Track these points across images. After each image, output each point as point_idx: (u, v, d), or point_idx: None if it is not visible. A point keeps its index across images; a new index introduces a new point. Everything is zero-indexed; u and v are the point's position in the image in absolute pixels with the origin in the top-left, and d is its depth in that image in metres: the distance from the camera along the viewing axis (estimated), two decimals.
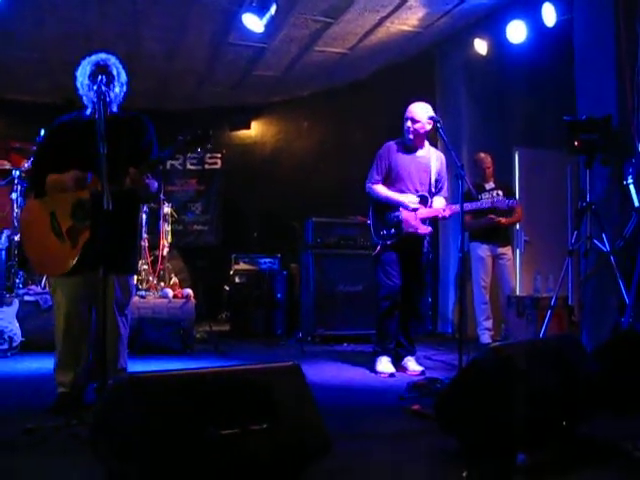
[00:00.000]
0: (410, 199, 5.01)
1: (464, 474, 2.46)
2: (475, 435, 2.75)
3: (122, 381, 2.13)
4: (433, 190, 5.12)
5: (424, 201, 5.07)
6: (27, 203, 4.48)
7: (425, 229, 5.04)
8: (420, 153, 5.14)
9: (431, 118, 4.83)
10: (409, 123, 5.00)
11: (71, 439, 2.86)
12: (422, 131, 5.00)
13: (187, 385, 2.12)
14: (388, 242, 5.02)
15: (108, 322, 3.22)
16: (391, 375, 4.94)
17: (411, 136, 5.03)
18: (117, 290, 3.60)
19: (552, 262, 7.11)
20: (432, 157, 5.16)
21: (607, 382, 3.25)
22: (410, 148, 5.12)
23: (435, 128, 4.79)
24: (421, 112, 4.96)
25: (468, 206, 4.73)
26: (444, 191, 5.21)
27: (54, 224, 3.60)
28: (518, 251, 7.60)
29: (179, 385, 2.11)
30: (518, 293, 7.16)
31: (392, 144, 5.18)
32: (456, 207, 4.89)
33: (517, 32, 6.78)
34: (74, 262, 3.52)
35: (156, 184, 3.73)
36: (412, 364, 5.11)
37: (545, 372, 2.82)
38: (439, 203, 5.08)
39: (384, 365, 5.02)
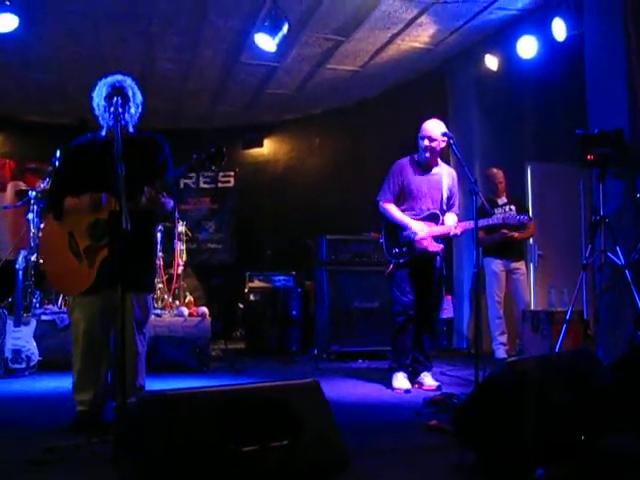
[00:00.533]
0: (420, 227, 5.00)
1: None
2: (493, 450, 2.75)
3: (145, 399, 2.16)
4: (445, 207, 5.14)
5: (435, 219, 5.08)
6: (45, 223, 4.54)
7: (437, 247, 5.04)
8: (433, 171, 5.16)
9: (444, 134, 4.86)
10: (426, 142, 5.00)
11: (92, 458, 2.87)
12: (438, 149, 5.03)
13: (209, 403, 2.14)
14: (401, 260, 5.04)
15: (127, 340, 3.25)
16: (407, 391, 4.94)
17: (428, 154, 5.04)
18: (135, 308, 3.63)
19: (566, 276, 7.08)
20: (444, 174, 5.18)
21: (624, 395, 3.24)
22: (425, 166, 5.13)
23: (448, 144, 4.83)
24: (437, 130, 4.98)
25: (480, 223, 4.73)
26: (456, 207, 5.23)
27: (72, 243, 3.65)
28: (532, 265, 7.58)
29: (201, 403, 2.13)
30: (533, 308, 7.14)
31: (405, 162, 5.20)
32: (467, 224, 4.92)
33: (528, 47, 6.81)
34: (91, 281, 3.57)
35: (172, 203, 3.77)
36: (428, 379, 5.11)
37: (561, 386, 2.82)
38: (451, 220, 5.09)
39: (400, 381, 5.02)
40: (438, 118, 5.15)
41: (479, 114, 7.97)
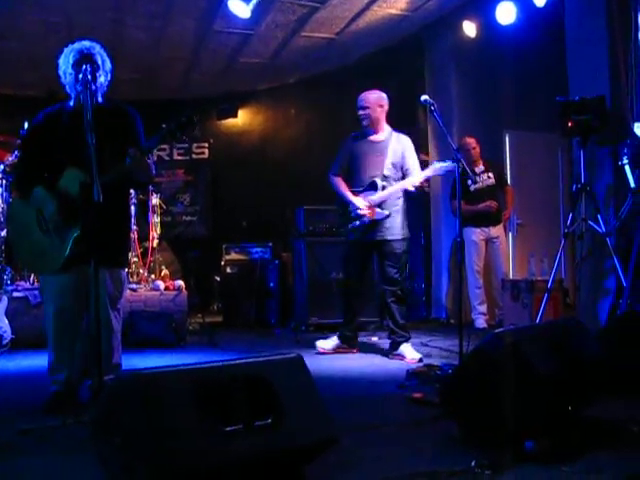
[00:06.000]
0: (360, 202, 5.12)
1: (473, 463, 2.40)
2: (481, 422, 2.70)
3: (121, 378, 2.06)
4: (388, 173, 5.16)
5: (374, 187, 5.14)
6: (12, 201, 4.39)
7: (381, 214, 5.09)
8: (376, 137, 5.25)
9: (424, 102, 4.72)
10: (359, 111, 5.24)
11: (68, 439, 2.78)
12: (374, 115, 5.18)
13: (188, 380, 2.05)
14: (358, 235, 5.18)
15: (101, 318, 3.13)
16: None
17: (365, 122, 5.23)
18: (109, 284, 3.51)
19: (545, 244, 7.08)
20: (391, 139, 5.24)
21: (611, 365, 3.20)
22: (365, 134, 5.29)
23: (430, 111, 4.76)
24: (370, 98, 5.23)
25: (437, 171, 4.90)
26: (415, 172, 5.19)
27: (40, 221, 3.51)
28: (511, 234, 7.57)
29: (180, 381, 2.04)
30: (512, 276, 7.13)
31: (352, 134, 5.40)
32: (427, 172, 5.03)
33: (506, 13, 6.71)
34: (63, 258, 3.44)
35: (154, 166, 3.68)
36: (409, 351, 5.05)
37: (550, 357, 2.77)
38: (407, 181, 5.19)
39: (326, 342, 5.46)
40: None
41: (457, 81, 7.84)
